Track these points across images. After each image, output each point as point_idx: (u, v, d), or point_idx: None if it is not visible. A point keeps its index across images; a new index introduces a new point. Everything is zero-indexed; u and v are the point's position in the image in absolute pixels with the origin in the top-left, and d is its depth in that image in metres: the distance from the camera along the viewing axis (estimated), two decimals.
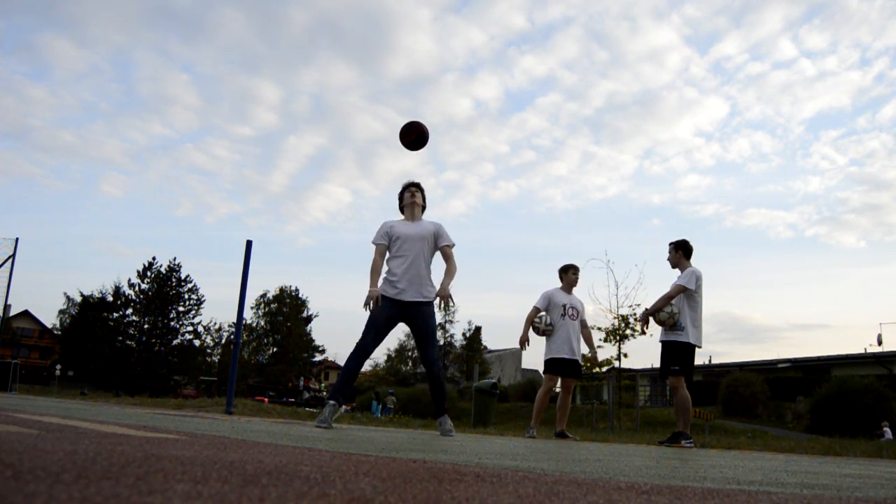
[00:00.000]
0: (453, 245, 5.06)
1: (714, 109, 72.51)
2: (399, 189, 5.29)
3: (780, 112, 70.18)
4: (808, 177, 71.85)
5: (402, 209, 5.24)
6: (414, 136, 5.01)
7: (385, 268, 5.01)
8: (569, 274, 6.88)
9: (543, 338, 6.80)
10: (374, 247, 5.03)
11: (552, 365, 6.71)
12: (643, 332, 6.28)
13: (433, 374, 5.01)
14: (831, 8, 67.02)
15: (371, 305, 4.83)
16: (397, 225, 5.05)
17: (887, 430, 19.80)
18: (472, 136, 76.07)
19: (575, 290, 6.95)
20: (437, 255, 5.07)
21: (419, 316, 4.89)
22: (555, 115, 73.31)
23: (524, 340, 6.76)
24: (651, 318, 6.09)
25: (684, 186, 73.75)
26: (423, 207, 5.25)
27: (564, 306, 6.72)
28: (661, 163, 73.19)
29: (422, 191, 5.24)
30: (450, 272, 5.00)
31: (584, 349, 7.01)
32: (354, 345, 4.86)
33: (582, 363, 6.93)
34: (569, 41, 71.62)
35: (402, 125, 5.06)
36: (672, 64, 69.39)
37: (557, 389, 7.21)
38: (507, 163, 75.15)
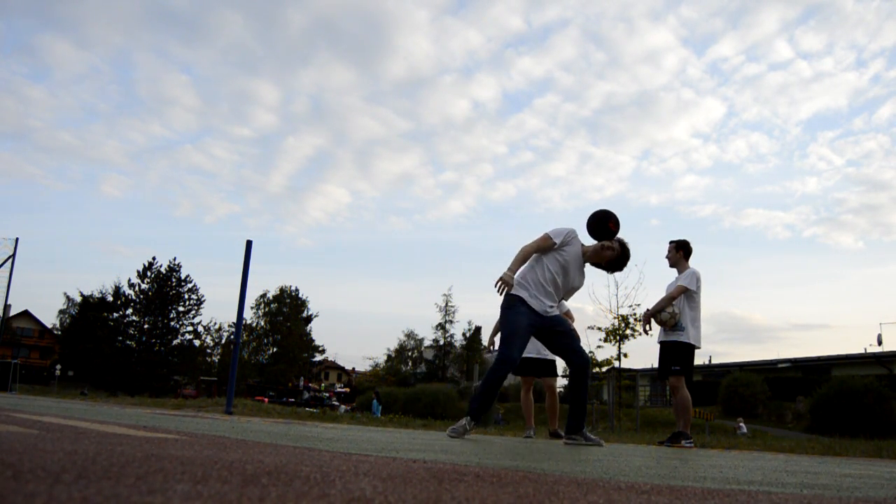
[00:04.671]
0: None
1: (711, 110, 72.62)
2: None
3: (776, 113, 70.26)
4: (806, 177, 71.93)
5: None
6: (612, 225, 4.61)
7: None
8: None
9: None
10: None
11: (522, 366, 6.68)
12: (645, 333, 6.28)
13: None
14: (827, 9, 67.05)
15: None
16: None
17: (742, 425, 20.31)
18: (471, 136, 76.09)
19: None
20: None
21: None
22: (552, 116, 73.33)
23: (490, 344, 6.77)
24: (652, 319, 6.10)
25: (682, 187, 73.82)
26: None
27: None
28: (659, 163, 73.27)
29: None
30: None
31: None
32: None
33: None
34: (566, 42, 71.64)
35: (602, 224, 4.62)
36: (669, 65, 69.48)
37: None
38: (505, 163, 75.20)
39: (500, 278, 4.40)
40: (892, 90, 66.54)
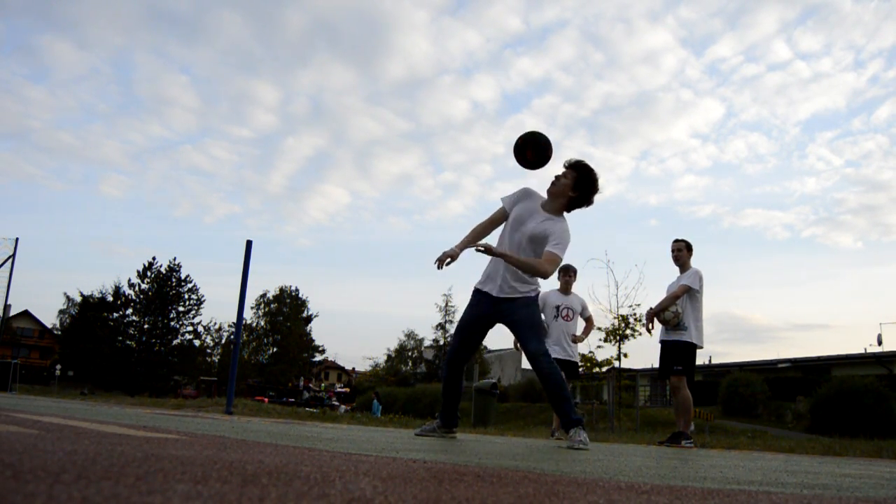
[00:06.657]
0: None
1: (710, 111, 72.46)
2: None
3: (775, 113, 70.12)
4: (805, 178, 71.78)
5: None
6: (530, 153, 4.03)
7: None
8: (560, 276, 6.92)
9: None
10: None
11: None
12: (648, 332, 6.27)
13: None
14: (825, 10, 66.90)
15: None
16: None
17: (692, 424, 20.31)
18: (470, 137, 76.06)
19: (576, 290, 6.97)
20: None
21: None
22: (551, 117, 73.17)
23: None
24: (655, 318, 6.10)
25: (681, 187, 73.72)
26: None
27: (558, 307, 6.75)
28: (658, 164, 73.15)
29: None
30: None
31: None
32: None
33: (580, 363, 6.93)
34: (564, 43, 71.51)
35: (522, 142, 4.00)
36: (667, 66, 69.32)
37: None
38: (504, 164, 75.15)
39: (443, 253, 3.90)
40: (891, 91, 66.48)
